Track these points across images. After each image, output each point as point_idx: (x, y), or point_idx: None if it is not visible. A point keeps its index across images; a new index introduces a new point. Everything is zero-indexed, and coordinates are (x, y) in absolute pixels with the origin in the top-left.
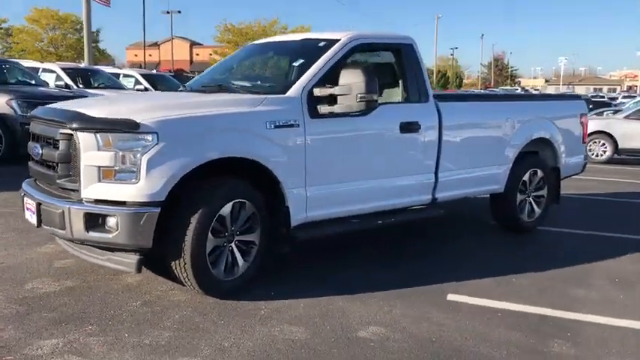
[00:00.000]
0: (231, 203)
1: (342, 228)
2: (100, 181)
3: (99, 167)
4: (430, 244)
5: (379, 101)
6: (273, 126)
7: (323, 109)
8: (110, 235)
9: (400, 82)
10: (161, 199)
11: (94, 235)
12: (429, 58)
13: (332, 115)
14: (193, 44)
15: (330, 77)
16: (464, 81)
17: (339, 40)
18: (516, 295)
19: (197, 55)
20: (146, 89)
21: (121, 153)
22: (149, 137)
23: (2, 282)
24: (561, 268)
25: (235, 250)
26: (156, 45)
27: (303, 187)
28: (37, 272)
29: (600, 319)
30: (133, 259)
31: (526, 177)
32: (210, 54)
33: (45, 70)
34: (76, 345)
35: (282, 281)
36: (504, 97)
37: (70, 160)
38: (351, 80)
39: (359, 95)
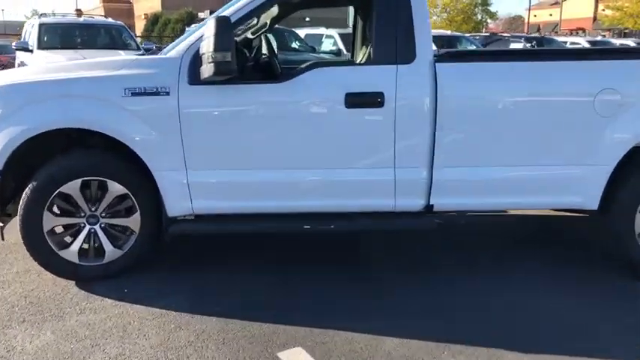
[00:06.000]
0: (79, 180)
1: (229, 226)
2: None
3: None
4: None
5: (315, 61)
6: (130, 93)
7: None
8: None
9: (367, 35)
10: None
11: None
12: None
13: (224, 81)
14: None
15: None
16: None
17: None
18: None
19: (602, 10)
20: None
21: None
22: None
23: None
24: None
25: (101, 234)
26: (557, 4)
27: (181, 170)
28: None
29: None
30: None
31: None
32: (603, 9)
33: None
34: None
35: (149, 278)
36: (591, 53)
37: None
38: (206, 35)
39: (208, 54)
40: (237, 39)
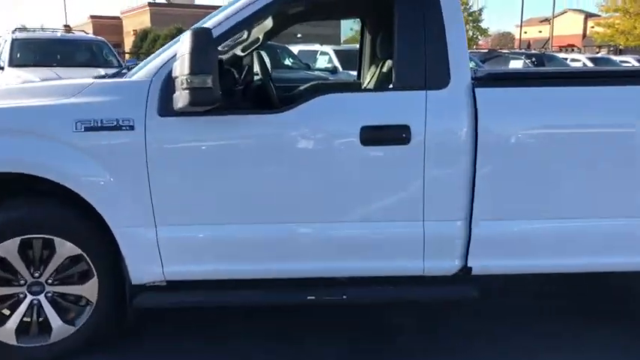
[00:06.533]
0: (17, 239)
1: (211, 297)
2: None
3: None
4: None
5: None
6: (83, 127)
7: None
8: None
9: (379, 53)
10: None
11: None
12: None
13: (206, 112)
14: (589, 16)
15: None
16: None
17: None
18: None
19: (592, 27)
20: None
21: None
22: None
23: None
24: None
25: (47, 306)
26: (547, 20)
27: (149, 225)
28: None
29: None
30: None
31: None
32: (592, 26)
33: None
34: None
35: None
36: None
37: None
38: (181, 53)
39: (182, 78)
40: (224, 57)
